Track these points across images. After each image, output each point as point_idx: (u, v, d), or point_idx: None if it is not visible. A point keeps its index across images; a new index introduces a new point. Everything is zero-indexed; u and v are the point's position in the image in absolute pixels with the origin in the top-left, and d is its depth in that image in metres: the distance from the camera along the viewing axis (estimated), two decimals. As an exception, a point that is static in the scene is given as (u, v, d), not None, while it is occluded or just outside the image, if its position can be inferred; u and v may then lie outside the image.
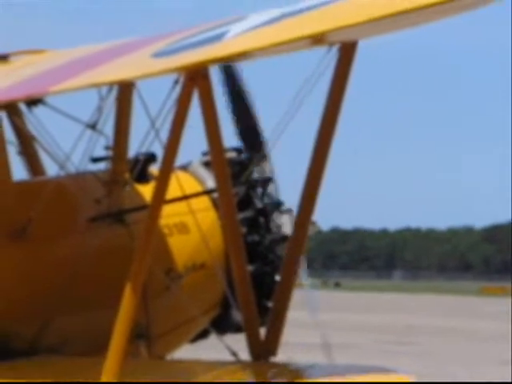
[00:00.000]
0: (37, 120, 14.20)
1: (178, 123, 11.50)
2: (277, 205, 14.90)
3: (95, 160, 14.06)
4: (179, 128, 11.56)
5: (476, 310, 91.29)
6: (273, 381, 12.21)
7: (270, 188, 15.18)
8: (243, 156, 14.66)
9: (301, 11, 11.01)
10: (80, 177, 14.02)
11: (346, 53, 11.54)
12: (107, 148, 13.88)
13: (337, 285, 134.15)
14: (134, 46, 12.64)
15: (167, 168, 11.80)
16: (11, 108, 14.08)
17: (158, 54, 11.52)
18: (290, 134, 12.51)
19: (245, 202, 14.34)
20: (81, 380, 11.39)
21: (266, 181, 14.89)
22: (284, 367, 12.45)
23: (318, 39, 10.77)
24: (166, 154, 11.77)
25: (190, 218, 13.98)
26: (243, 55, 11.29)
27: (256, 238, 14.45)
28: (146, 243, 11.69)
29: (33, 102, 13.92)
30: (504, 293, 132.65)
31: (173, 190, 12.73)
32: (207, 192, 14.33)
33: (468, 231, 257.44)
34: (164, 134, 12.19)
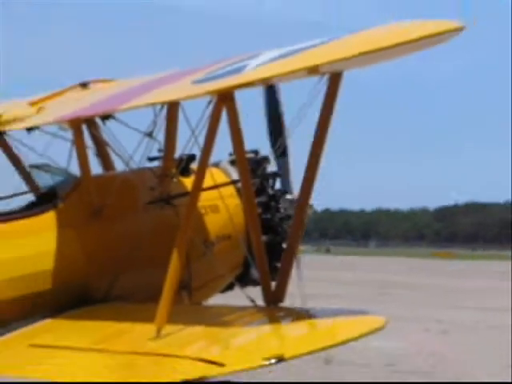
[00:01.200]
0: (108, 130, 14.12)
1: (211, 132, 11.68)
2: (283, 192, 14.98)
3: (151, 159, 14.18)
4: (212, 135, 11.75)
5: (433, 269, 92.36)
6: (281, 320, 12.50)
7: (285, 180, 15.45)
8: (259, 156, 14.74)
9: (302, 49, 11.26)
10: (140, 172, 14.05)
11: (334, 80, 11.54)
12: (159, 150, 14.01)
13: (327, 251, 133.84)
14: (178, 76, 12.91)
15: (203, 165, 11.88)
16: (90, 121, 13.92)
17: (197, 82, 11.73)
18: (295, 138, 13.98)
19: (260, 190, 14.39)
20: (137, 319, 11.64)
21: (275, 175, 15.02)
22: (289, 310, 12.24)
23: (312, 70, 11.27)
24: (202, 155, 11.86)
25: (219, 201, 14.11)
26: (259, 82, 11.82)
27: (268, 216, 14.55)
28: (187, 220, 11.76)
29: (106, 117, 13.68)
30: (449, 257, 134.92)
31: (207, 181, 12.72)
32: (232, 182, 14.49)
33: (424, 212, 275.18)
34: (201, 140, 12.14)
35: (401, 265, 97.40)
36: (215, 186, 13.74)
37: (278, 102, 14.89)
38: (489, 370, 20.81)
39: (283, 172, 15.20)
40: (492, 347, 26.17)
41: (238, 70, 11.55)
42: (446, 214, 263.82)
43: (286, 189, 15.19)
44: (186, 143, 13.13)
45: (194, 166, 13.13)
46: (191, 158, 13.76)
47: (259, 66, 11.32)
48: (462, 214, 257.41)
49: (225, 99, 11.74)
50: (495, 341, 27.60)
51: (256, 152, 14.66)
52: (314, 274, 15.91)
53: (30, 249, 12.89)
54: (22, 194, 14.28)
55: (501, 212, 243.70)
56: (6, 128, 13.76)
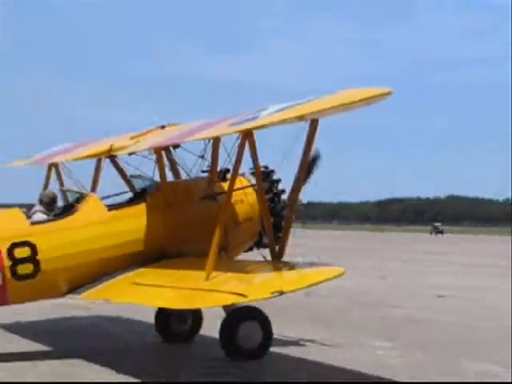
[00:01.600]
0: (177, 154, 15.32)
1: (239, 154, 13.07)
2: (282, 191, 15.10)
3: (203, 171, 15.09)
4: (240, 156, 13.12)
5: (374, 238, 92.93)
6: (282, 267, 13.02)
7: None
8: (268, 169, 15.00)
9: (295, 104, 12.16)
10: (196, 179, 15.30)
11: (313, 124, 12.55)
12: (208, 166, 14.96)
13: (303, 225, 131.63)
14: (219, 121, 13.68)
15: (234, 175, 13.17)
16: (167, 149, 15.05)
17: (232, 124, 12.73)
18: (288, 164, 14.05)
19: (268, 190, 14.83)
20: (195, 268, 12.52)
21: (278, 181, 15.20)
22: (286, 263, 13.12)
23: (300, 118, 12.10)
24: (234, 169, 13.26)
25: (244, 197, 14.64)
26: (267, 125, 12.47)
27: (273, 205, 14.86)
28: (225, 208, 13.15)
29: (176, 146, 14.85)
30: (381, 231, 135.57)
31: (237, 185, 13.82)
32: (252, 185, 14.66)
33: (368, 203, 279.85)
34: (232, 160, 13.75)
35: (353, 236, 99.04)
36: (241, 188, 14.49)
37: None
38: (414, 302, 22.55)
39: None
40: (415, 287, 28.37)
41: (254, 118, 12.41)
42: (384, 205, 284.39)
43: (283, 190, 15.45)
44: (224, 162, 14.66)
45: (229, 175, 13.98)
46: (227, 170, 14.52)
47: (266, 116, 12.22)
48: (396, 204, 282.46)
49: (247, 135, 12.84)
50: (418, 282, 30.46)
51: (266, 167, 14.94)
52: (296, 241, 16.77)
53: (133, 225, 14.03)
54: (126, 192, 15.26)
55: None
56: (117, 153, 15.06)
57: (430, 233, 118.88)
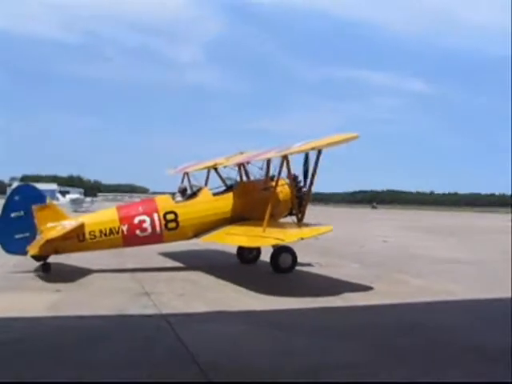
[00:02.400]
0: (250, 167, 17.24)
1: (280, 168, 15.19)
2: (302, 186, 16.12)
3: (271, 177, 16.54)
4: (281, 169, 15.17)
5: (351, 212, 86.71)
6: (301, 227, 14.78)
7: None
8: (296, 175, 16.11)
9: (309, 141, 14.16)
10: (258, 180, 16.83)
11: (319, 152, 14.32)
12: (264, 174, 16.79)
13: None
14: (271, 149, 15.59)
15: (278, 177, 15.34)
16: (243, 164, 17.09)
17: (277, 152, 14.83)
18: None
19: (295, 185, 16.00)
20: (258, 225, 14.22)
21: (300, 181, 16.21)
22: (304, 224, 14.93)
23: (313, 148, 14.19)
24: (278, 175, 15.34)
25: (283, 188, 16.07)
26: (295, 152, 14.56)
27: (298, 194, 15.98)
28: (273, 195, 15.13)
29: (248, 162, 16.96)
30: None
31: (279, 182, 15.58)
32: (286, 183, 15.94)
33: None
34: (277, 170, 15.47)
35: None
36: (281, 184, 15.90)
37: (307, 161, 15.55)
38: (371, 243, 22.01)
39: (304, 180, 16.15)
40: (372, 235, 28.71)
41: (288, 148, 14.59)
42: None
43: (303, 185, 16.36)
44: (273, 171, 16.37)
45: (275, 178, 15.61)
46: (273, 176, 16.27)
47: (295, 147, 14.43)
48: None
49: (285, 157, 14.89)
50: (372, 233, 32.00)
51: (295, 175, 16.08)
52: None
53: (226, 204, 16.17)
54: (221, 187, 16.95)
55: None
56: (218, 166, 17.40)
57: (371, 208, 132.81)
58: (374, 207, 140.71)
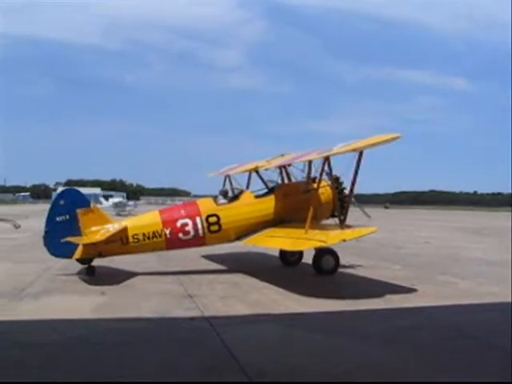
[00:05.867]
0: (291, 169, 17.32)
1: (322, 169, 15.22)
2: (344, 188, 16.25)
3: (303, 178, 16.87)
4: (322, 171, 15.19)
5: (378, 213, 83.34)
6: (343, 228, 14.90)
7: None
8: (337, 176, 16.13)
9: (350, 143, 14.10)
10: (300, 182, 16.80)
11: (361, 154, 14.15)
12: (305, 176, 16.72)
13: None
14: (311, 152, 15.64)
15: (320, 179, 15.33)
16: (285, 166, 17.12)
17: (318, 153, 14.94)
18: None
19: (337, 187, 16.29)
20: (300, 227, 14.20)
21: (342, 183, 16.41)
22: (347, 226, 15.18)
23: (355, 149, 14.03)
24: (319, 176, 15.34)
25: (325, 190, 16.17)
26: (336, 154, 14.45)
27: (340, 195, 16.16)
28: (315, 197, 15.16)
29: (289, 165, 17.06)
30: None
31: (321, 184, 15.65)
32: (328, 185, 16.27)
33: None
34: (318, 172, 15.51)
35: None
36: (323, 186, 16.06)
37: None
38: (412, 245, 21.72)
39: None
40: (412, 237, 25.55)
41: (330, 150, 14.61)
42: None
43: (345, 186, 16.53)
44: (314, 173, 16.37)
45: (317, 180, 15.67)
46: (314, 178, 16.30)
47: (336, 148, 14.41)
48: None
49: (327, 158, 15.07)
50: (412, 234, 26.98)
51: (337, 176, 16.26)
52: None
53: (268, 206, 16.25)
54: (263, 189, 17.06)
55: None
56: (259, 169, 17.53)
57: (384, 208, 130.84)
58: (386, 207, 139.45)
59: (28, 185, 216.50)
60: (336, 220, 16.21)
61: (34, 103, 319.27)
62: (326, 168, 15.52)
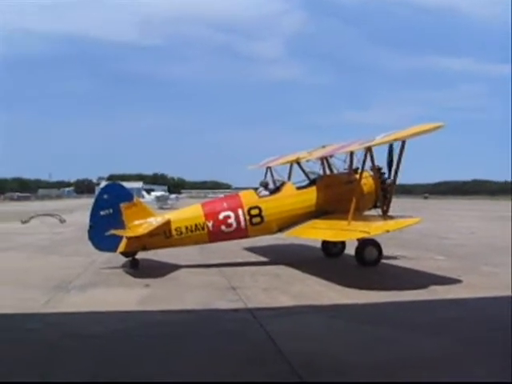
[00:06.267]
0: (333, 160, 17.19)
1: (364, 161, 15.26)
2: (386, 178, 15.96)
3: (344, 169, 16.91)
4: (364, 163, 15.27)
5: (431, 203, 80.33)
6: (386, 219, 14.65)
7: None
8: (379, 167, 15.94)
9: (393, 132, 14.15)
10: (341, 173, 16.88)
11: (403, 143, 14.30)
12: (346, 167, 16.79)
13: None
14: (353, 142, 15.61)
15: (362, 170, 15.40)
16: (326, 157, 17.16)
17: (360, 144, 14.90)
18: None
19: (379, 177, 16.03)
20: (342, 219, 14.17)
21: (384, 173, 16.06)
22: (389, 217, 14.89)
23: (397, 139, 14.08)
24: (362, 168, 15.41)
25: (367, 181, 16.06)
26: (379, 144, 14.48)
27: (382, 186, 15.93)
28: (357, 188, 15.16)
29: (331, 156, 16.96)
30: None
31: (364, 175, 15.67)
32: (371, 176, 16.09)
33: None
34: (360, 162, 15.62)
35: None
36: (365, 176, 15.92)
37: (391, 152, 15.15)
38: (456, 235, 21.41)
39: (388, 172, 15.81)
40: (456, 227, 24.52)
41: (372, 140, 14.55)
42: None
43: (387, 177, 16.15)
44: (356, 164, 16.42)
45: (359, 171, 15.74)
46: (356, 168, 16.37)
47: (379, 138, 14.43)
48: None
49: (369, 149, 14.99)
50: (457, 225, 31.70)
51: (378, 166, 16.00)
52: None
53: (310, 198, 16.22)
54: (304, 181, 16.84)
55: None
56: (301, 160, 17.40)
57: (424, 198, 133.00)
58: (425, 197, 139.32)
59: (72, 180, 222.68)
60: (378, 211, 16.12)
61: (76, 100, 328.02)
62: (368, 159, 15.39)
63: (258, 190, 16.65)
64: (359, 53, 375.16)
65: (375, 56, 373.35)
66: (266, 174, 18.61)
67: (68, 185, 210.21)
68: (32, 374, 6.54)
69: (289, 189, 16.66)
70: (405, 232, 18.04)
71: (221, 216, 15.53)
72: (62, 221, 35.61)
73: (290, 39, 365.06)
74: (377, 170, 16.22)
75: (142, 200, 17.96)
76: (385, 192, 16.16)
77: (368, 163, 15.67)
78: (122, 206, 14.88)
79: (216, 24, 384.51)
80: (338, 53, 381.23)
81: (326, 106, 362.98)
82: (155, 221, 15.26)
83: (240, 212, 15.68)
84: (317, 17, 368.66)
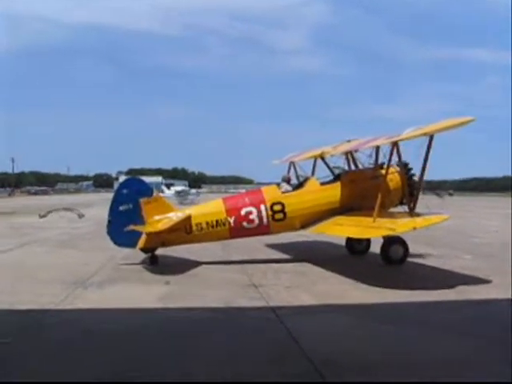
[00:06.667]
0: (358, 155, 17.27)
1: (390, 155, 15.08)
2: (413, 174, 15.99)
3: (369, 164, 16.89)
4: (390, 157, 15.10)
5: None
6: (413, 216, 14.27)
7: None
8: (406, 162, 15.85)
9: (420, 127, 13.93)
10: (365, 169, 16.84)
11: (431, 138, 13.80)
12: (372, 162, 16.73)
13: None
14: (379, 137, 15.48)
15: (388, 165, 15.27)
16: (351, 152, 17.19)
17: (387, 139, 14.77)
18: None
19: (406, 173, 15.96)
20: (367, 215, 14.10)
21: (411, 169, 16.11)
22: (416, 214, 14.52)
23: (425, 134, 13.76)
24: (388, 162, 15.29)
25: (393, 177, 16.01)
26: (406, 139, 14.27)
27: (409, 182, 15.77)
28: (383, 184, 15.08)
29: (356, 151, 17.00)
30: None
31: (390, 170, 15.56)
32: (397, 171, 15.99)
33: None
34: (387, 158, 15.46)
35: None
36: (391, 172, 15.85)
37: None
38: (483, 234, 23.66)
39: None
40: (483, 226, 28.95)
41: (399, 135, 14.35)
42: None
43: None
44: (382, 160, 16.35)
45: (385, 166, 15.63)
46: (382, 164, 16.30)
47: (406, 133, 14.24)
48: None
49: (395, 144, 14.83)
50: (484, 223, 30.91)
51: (406, 162, 15.94)
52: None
53: (334, 194, 16.18)
54: (328, 176, 16.88)
55: None
56: (325, 155, 17.46)
57: (448, 195, 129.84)
58: (450, 194, 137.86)
59: (90, 174, 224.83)
60: (405, 207, 15.90)
61: (95, 91, 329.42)
62: (395, 154, 15.25)
63: (281, 185, 16.67)
64: (383, 44, 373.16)
65: (400, 47, 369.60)
66: (289, 169, 18.60)
67: (86, 179, 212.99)
68: (45, 372, 6.60)
69: (312, 184, 16.67)
70: (431, 229, 17.75)
71: (243, 212, 15.58)
72: (81, 215, 35.91)
73: (314, 30, 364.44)
74: (403, 166, 16.08)
75: (161, 195, 18.04)
76: (411, 188, 15.97)
77: (395, 159, 15.51)
78: (142, 201, 14.97)
79: (238, 14, 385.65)
80: (362, 44, 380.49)
81: (350, 99, 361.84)
82: (175, 216, 15.35)
83: (262, 208, 15.70)
84: (341, 7, 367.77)
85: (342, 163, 17.58)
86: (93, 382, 6.38)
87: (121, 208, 15.10)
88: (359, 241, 17.46)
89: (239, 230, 15.57)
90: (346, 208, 16.06)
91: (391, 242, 15.04)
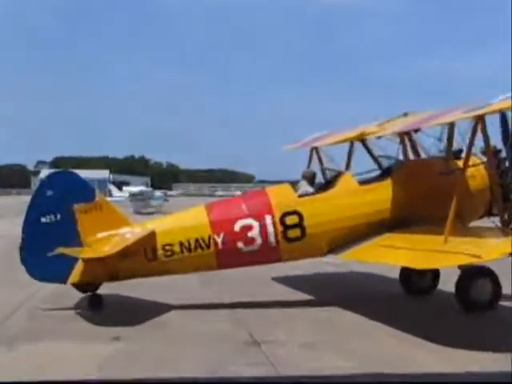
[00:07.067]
0: (417, 137, 17.46)
1: (472, 135, 14.80)
2: (509, 168, 16.04)
3: (440, 151, 17.01)
4: (473, 138, 14.79)
5: None
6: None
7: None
8: (496, 149, 15.74)
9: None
10: (434, 159, 17.01)
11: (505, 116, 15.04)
12: (444, 147, 16.81)
13: None
14: (452, 109, 15.07)
15: (468, 154, 14.81)
16: (408, 133, 17.29)
17: (466, 111, 14.27)
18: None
19: (497, 166, 15.88)
20: (434, 233, 13.98)
21: (505, 159, 16.12)
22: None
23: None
24: (468, 149, 14.98)
25: (476, 172, 16.02)
26: (498, 111, 14.68)
27: (501, 179, 15.64)
28: (460, 183, 14.60)
29: (416, 130, 16.93)
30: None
31: (472, 164, 15.69)
32: (482, 163, 16.15)
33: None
34: (466, 142, 15.40)
35: None
36: (473, 164, 15.87)
37: (506, 122, 15.66)
38: None
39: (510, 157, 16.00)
40: None
41: (486, 105, 13.91)
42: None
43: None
44: (458, 144, 16.56)
45: (462, 155, 15.62)
46: (460, 150, 16.30)
47: (497, 103, 13.78)
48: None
49: (480, 120, 14.50)
50: None
51: (495, 147, 15.75)
52: None
53: (381, 198, 16.09)
54: (375, 170, 17.02)
55: None
56: (367, 137, 17.42)
57: None
58: None
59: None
60: (496, 220, 15.79)
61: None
62: (480, 136, 15.06)
63: (298, 186, 16.60)
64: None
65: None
66: (311, 158, 18.63)
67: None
68: None
69: (348, 183, 16.55)
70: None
71: (237, 226, 15.42)
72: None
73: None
74: (493, 155, 15.94)
75: (109, 199, 17.91)
76: (506, 189, 15.99)
77: (479, 143, 15.56)
78: (77, 208, 14.77)
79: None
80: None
81: (395, 51, 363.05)
82: (131, 233, 15.20)
83: (268, 220, 15.53)
84: None
85: (395, 150, 17.56)
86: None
87: (43, 219, 14.80)
88: (421, 273, 17.18)
89: (232, 254, 15.36)
90: (399, 220, 15.96)
91: (474, 274, 14.78)
